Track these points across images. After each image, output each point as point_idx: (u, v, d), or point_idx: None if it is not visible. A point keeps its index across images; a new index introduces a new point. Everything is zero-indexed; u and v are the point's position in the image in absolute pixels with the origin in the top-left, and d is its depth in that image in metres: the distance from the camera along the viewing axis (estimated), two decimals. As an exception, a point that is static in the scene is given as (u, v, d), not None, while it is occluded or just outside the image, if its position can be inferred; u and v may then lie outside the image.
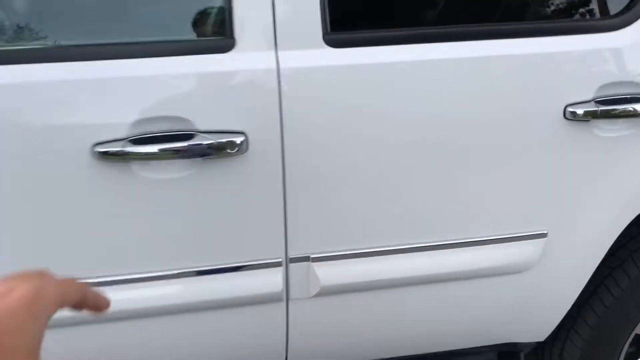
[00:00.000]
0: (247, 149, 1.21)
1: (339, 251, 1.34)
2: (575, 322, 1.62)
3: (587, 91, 1.34)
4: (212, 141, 1.18)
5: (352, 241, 1.35)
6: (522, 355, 1.75)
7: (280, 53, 1.21)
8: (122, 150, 1.15)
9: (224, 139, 1.19)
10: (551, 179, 1.39)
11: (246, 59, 1.20)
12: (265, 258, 1.31)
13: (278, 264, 1.32)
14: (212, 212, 1.25)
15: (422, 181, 1.33)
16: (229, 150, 1.19)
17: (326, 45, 1.23)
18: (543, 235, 1.44)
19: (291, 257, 1.33)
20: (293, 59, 1.21)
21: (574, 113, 1.33)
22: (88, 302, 0.46)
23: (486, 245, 1.41)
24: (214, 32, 1.25)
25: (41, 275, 0.41)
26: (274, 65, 1.20)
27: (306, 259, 1.34)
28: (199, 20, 1.26)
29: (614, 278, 1.57)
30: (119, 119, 1.16)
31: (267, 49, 1.21)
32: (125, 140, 1.16)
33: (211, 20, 1.24)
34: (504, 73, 1.30)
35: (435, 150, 1.30)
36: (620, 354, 1.64)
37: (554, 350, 1.69)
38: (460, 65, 1.28)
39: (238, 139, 1.19)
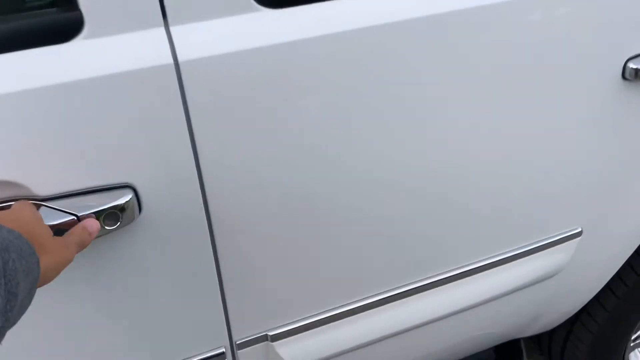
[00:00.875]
0: (139, 212, 0.68)
1: (310, 318, 0.89)
2: (588, 306, 1.31)
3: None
4: (72, 216, 0.63)
5: (328, 301, 0.89)
6: (522, 342, 1.47)
7: (174, 30, 0.64)
8: None
9: (95, 206, 0.64)
10: (601, 166, 0.97)
11: (108, 50, 0.61)
12: (198, 353, 0.83)
13: (220, 357, 0.84)
14: (91, 318, 0.73)
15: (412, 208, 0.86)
16: (107, 227, 0.65)
17: (260, 6, 0.67)
18: (577, 235, 1.05)
19: (239, 342, 0.86)
20: (201, 39, 0.64)
21: (637, 71, 0.89)
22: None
23: (508, 264, 1.00)
24: (34, 6, 0.63)
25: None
26: (166, 56, 0.63)
27: (263, 338, 0.87)
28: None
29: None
30: None
31: (147, 26, 0.63)
32: None
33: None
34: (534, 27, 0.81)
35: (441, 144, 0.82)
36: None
37: (556, 335, 1.40)
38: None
39: (121, 200, 0.65)
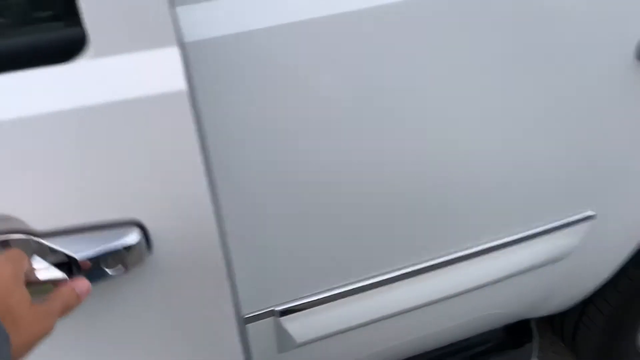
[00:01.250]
0: (149, 251, 0.61)
1: (317, 294, 0.90)
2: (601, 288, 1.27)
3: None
4: (69, 259, 0.56)
5: (336, 278, 0.90)
6: (532, 322, 1.41)
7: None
8: None
9: (97, 245, 0.57)
10: (614, 149, 0.94)
11: (115, 71, 0.51)
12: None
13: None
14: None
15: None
16: (109, 271, 0.58)
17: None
18: (590, 218, 1.03)
19: (247, 315, 0.88)
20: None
21: (650, 53, 0.85)
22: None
23: (519, 245, 0.99)
24: (37, 18, 0.52)
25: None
26: (180, 80, 0.53)
27: (270, 314, 0.89)
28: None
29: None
30: None
31: (159, 45, 0.51)
32: None
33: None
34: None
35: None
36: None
37: (568, 316, 1.38)
38: None
39: (129, 239, 0.58)
